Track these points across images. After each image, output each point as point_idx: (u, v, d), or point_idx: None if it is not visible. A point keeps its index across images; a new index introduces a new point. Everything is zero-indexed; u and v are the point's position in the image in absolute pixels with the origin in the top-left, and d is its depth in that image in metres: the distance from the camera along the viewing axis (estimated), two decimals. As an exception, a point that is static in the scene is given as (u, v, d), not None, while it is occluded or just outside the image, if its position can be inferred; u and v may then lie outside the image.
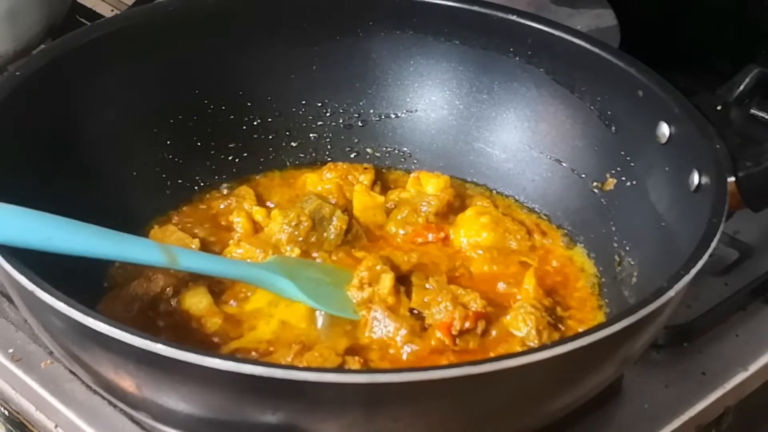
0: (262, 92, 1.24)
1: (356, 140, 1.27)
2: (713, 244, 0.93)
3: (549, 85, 1.20)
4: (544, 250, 1.16)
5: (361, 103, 1.26)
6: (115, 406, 1.01)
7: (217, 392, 0.84)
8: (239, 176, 1.22)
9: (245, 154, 1.23)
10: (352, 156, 1.26)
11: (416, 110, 1.26)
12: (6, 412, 1.07)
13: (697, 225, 0.96)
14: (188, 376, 0.83)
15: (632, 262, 1.10)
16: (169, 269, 1.04)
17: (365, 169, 1.23)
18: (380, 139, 1.27)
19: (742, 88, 1.12)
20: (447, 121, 1.25)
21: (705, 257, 0.91)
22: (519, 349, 1.03)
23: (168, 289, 1.05)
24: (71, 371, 1.03)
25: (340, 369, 0.97)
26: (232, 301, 1.07)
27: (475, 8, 1.21)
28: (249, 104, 1.24)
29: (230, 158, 1.23)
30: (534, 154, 1.21)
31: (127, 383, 0.87)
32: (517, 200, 1.22)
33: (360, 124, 1.27)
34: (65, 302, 0.84)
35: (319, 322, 1.04)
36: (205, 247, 1.13)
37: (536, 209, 1.21)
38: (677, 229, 1.03)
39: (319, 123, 1.26)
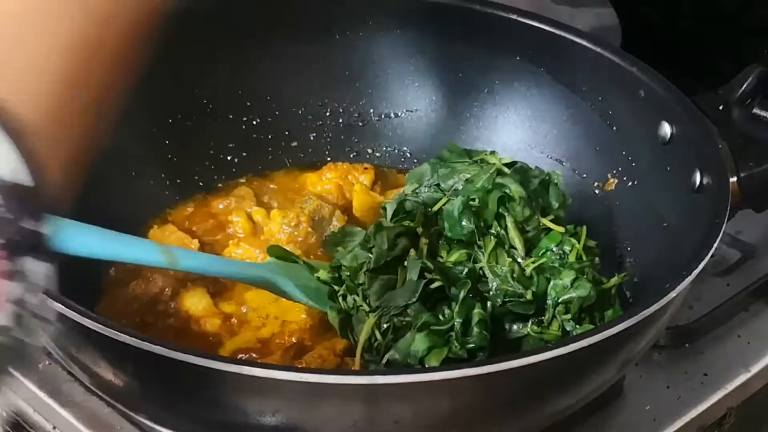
0: (262, 92, 1.24)
1: (356, 140, 1.26)
2: (715, 245, 0.92)
3: (550, 85, 1.19)
4: (545, 250, 1.16)
5: (361, 103, 1.26)
6: (113, 407, 1.01)
7: (216, 393, 0.83)
8: (239, 176, 1.22)
9: (245, 154, 1.23)
10: (352, 156, 1.26)
11: (416, 110, 1.26)
12: (4, 414, 1.06)
13: (699, 225, 0.96)
14: (187, 377, 0.82)
15: (633, 262, 1.09)
16: (168, 270, 1.04)
17: (365, 169, 1.23)
18: (380, 139, 1.26)
19: (744, 87, 1.11)
20: (447, 121, 1.25)
21: (707, 257, 0.91)
22: (519, 349, 1.03)
23: (167, 289, 1.05)
24: (69, 372, 1.03)
25: (339, 370, 0.97)
26: (231, 302, 1.07)
27: (476, 7, 1.21)
28: (249, 104, 1.23)
29: (230, 158, 1.23)
30: (535, 154, 1.20)
31: (126, 384, 0.87)
32: (517, 200, 1.22)
33: (360, 124, 1.26)
34: (63, 303, 0.84)
35: None
36: (204, 247, 1.12)
37: (537, 209, 1.20)
38: (679, 230, 1.03)
39: (319, 123, 1.26)
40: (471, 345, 0.96)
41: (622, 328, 0.86)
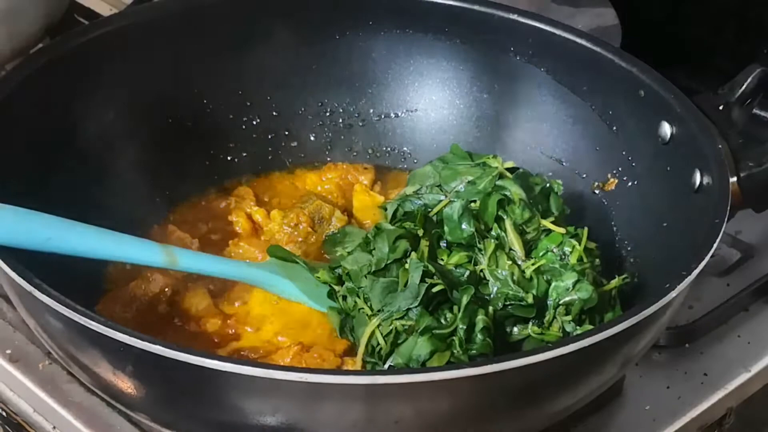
0: (262, 92, 1.24)
1: (356, 140, 1.26)
2: (715, 245, 0.92)
3: (550, 85, 1.19)
4: (545, 250, 1.16)
5: (361, 103, 1.26)
6: (113, 407, 1.01)
7: (216, 393, 0.83)
8: (239, 176, 1.22)
9: (245, 154, 1.23)
10: (352, 156, 1.26)
11: (416, 110, 1.26)
12: (4, 414, 1.06)
13: (699, 225, 0.96)
14: (187, 377, 0.82)
15: (633, 263, 1.09)
16: (168, 270, 1.04)
17: (365, 169, 1.23)
18: (380, 139, 1.26)
19: (744, 87, 1.11)
20: (447, 121, 1.25)
21: (707, 258, 0.91)
22: (520, 349, 1.03)
23: (167, 289, 1.05)
24: (69, 372, 1.03)
25: (339, 370, 0.97)
26: (231, 302, 1.07)
27: (476, 7, 1.21)
28: (248, 104, 1.23)
29: (230, 158, 1.22)
30: (535, 154, 1.20)
31: (126, 384, 0.87)
32: (517, 200, 1.21)
33: (360, 124, 1.26)
34: (63, 303, 0.84)
35: None
36: (204, 247, 1.12)
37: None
38: (679, 230, 1.03)
39: (319, 123, 1.26)
40: (473, 351, 0.96)
41: (622, 328, 0.85)
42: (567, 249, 1.04)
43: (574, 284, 1.01)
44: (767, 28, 1.43)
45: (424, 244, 1.03)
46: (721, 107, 1.10)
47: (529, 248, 1.05)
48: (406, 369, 0.95)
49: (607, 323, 0.87)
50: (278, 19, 1.22)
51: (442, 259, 1.03)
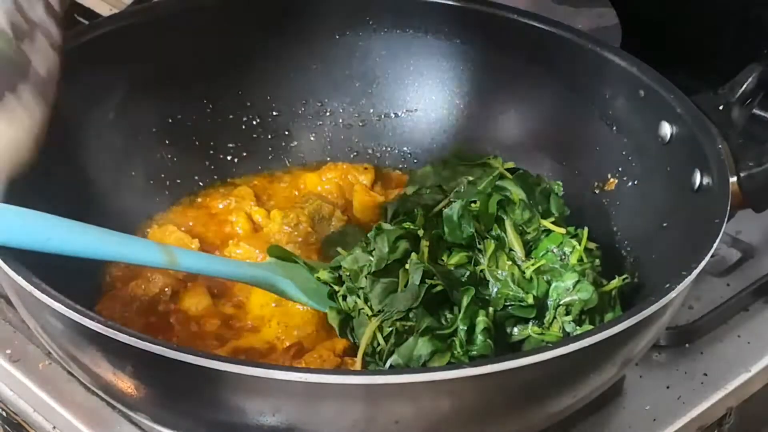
0: (262, 92, 1.24)
1: (356, 140, 1.26)
2: (715, 245, 0.92)
3: (550, 85, 1.19)
4: (545, 250, 1.16)
5: (361, 103, 1.26)
6: (113, 407, 1.01)
7: (216, 393, 0.83)
8: (239, 176, 1.22)
9: (245, 154, 1.23)
10: (352, 156, 1.26)
11: (416, 110, 1.26)
12: (4, 413, 1.06)
13: (699, 225, 0.96)
14: (187, 377, 0.82)
15: (633, 263, 1.09)
16: (168, 270, 1.04)
17: (365, 169, 1.23)
18: (380, 139, 1.26)
19: (744, 87, 1.11)
20: (447, 121, 1.25)
21: (707, 257, 0.91)
22: (520, 349, 1.03)
23: (167, 289, 1.05)
24: (69, 372, 1.03)
25: (339, 370, 0.97)
26: (231, 302, 1.07)
27: (476, 7, 1.21)
28: (248, 104, 1.23)
29: (230, 158, 1.22)
30: (535, 154, 1.20)
31: (126, 384, 0.87)
32: (517, 200, 1.21)
33: (360, 124, 1.26)
34: (63, 303, 0.84)
35: None
36: (204, 247, 1.12)
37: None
38: (679, 229, 1.03)
39: (319, 123, 1.26)
40: (474, 352, 0.96)
41: (622, 328, 0.85)
42: (567, 249, 1.04)
43: (575, 285, 1.01)
44: (767, 28, 1.43)
45: (424, 245, 1.03)
46: (721, 107, 1.10)
47: (529, 249, 1.05)
48: (406, 369, 0.95)
49: (607, 323, 0.87)
50: (278, 19, 1.22)
51: (443, 260, 1.03)
